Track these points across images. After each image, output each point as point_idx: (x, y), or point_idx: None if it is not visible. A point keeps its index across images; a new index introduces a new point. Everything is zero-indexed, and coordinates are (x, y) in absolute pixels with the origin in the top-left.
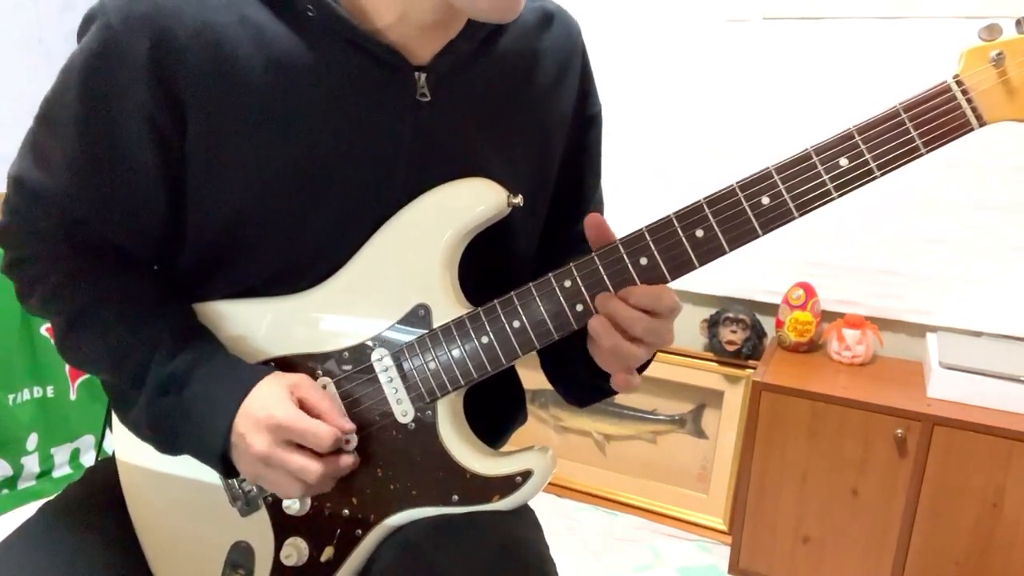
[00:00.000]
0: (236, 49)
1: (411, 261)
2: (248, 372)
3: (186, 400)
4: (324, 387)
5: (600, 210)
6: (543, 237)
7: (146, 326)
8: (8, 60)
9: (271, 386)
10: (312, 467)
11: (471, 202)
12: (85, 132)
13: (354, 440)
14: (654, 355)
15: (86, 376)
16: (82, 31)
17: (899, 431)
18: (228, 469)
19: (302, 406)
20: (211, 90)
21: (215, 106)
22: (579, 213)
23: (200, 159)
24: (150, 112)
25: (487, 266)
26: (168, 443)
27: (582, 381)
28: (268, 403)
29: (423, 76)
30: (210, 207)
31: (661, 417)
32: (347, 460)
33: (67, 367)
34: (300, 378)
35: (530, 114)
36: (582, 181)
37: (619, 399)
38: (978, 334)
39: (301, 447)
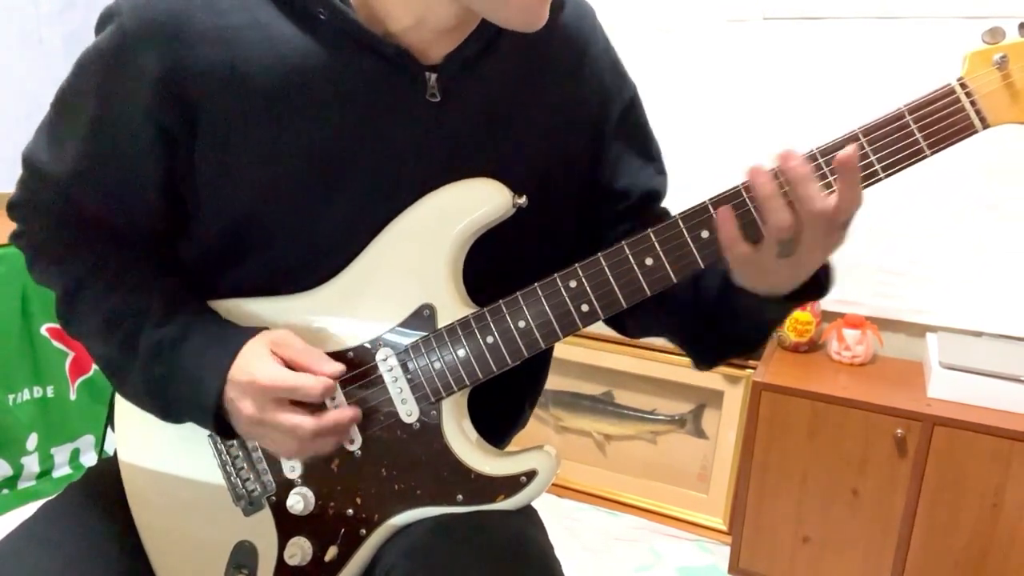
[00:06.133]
0: (248, 52)
1: (416, 261)
2: (233, 336)
3: (177, 366)
4: None
5: (663, 190)
6: (588, 236)
7: (138, 296)
8: (8, 60)
9: (253, 348)
10: (305, 423)
11: (475, 203)
12: (93, 127)
13: (340, 397)
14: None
15: (86, 376)
16: (99, 28)
17: (899, 431)
18: (225, 432)
19: (287, 364)
20: (223, 93)
21: (227, 109)
22: (624, 209)
23: (211, 160)
24: (157, 117)
25: (493, 266)
26: (166, 410)
27: (739, 326)
28: (251, 367)
29: (433, 77)
30: (220, 206)
31: (661, 417)
32: (343, 414)
33: (67, 367)
34: (281, 334)
35: (543, 109)
36: (622, 174)
37: (619, 399)
38: (978, 334)
39: (295, 404)
